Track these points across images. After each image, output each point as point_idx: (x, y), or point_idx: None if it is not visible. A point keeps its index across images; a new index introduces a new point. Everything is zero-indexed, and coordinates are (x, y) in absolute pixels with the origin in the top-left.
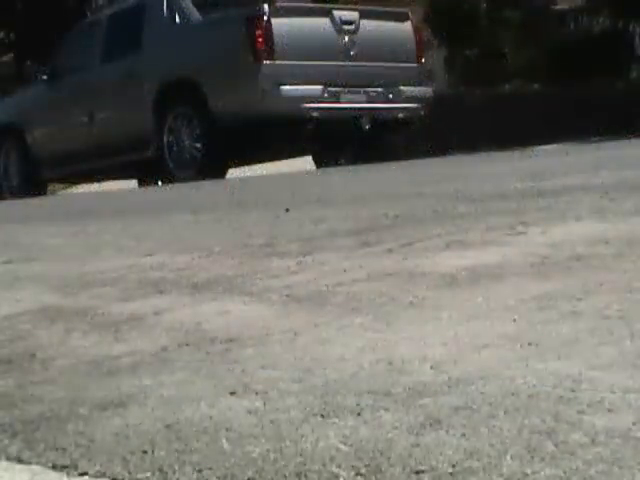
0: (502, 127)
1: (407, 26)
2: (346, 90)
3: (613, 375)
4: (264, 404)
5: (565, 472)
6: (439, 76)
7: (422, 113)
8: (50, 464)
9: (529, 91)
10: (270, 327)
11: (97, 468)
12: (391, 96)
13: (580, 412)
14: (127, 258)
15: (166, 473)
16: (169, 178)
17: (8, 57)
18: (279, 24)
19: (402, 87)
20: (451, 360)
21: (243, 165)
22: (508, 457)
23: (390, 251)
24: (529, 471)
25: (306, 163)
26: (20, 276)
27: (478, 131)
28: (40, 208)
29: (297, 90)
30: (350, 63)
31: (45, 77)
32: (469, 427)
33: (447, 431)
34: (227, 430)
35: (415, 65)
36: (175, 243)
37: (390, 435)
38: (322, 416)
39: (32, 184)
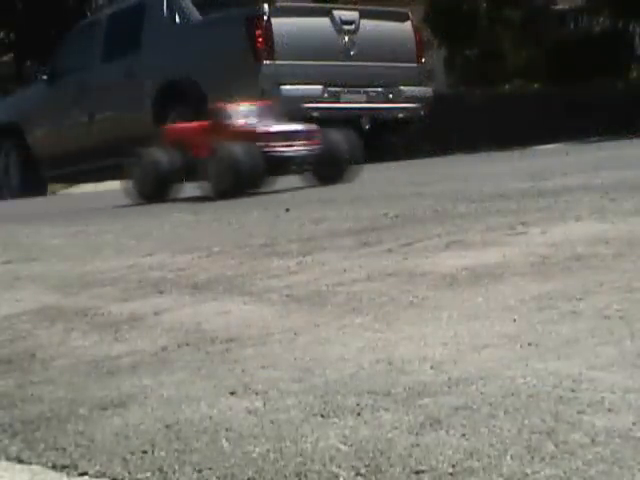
0: (502, 127)
1: (407, 26)
2: (346, 90)
3: (613, 375)
4: (264, 404)
5: (565, 472)
6: (439, 76)
7: (422, 113)
8: (50, 464)
9: (529, 91)
10: (270, 327)
11: (97, 468)
12: (391, 96)
13: (580, 412)
14: (127, 258)
15: (166, 473)
16: None
17: (8, 57)
18: (279, 24)
19: (402, 87)
20: (451, 360)
21: None
22: (508, 457)
23: (390, 251)
24: (529, 471)
25: None
26: (20, 276)
27: (478, 131)
28: (40, 208)
29: (297, 90)
30: (350, 63)
31: (45, 77)
32: (469, 427)
33: (447, 431)
34: (227, 430)
35: (415, 65)
36: (175, 243)
37: (390, 435)
38: (322, 416)
39: (32, 184)
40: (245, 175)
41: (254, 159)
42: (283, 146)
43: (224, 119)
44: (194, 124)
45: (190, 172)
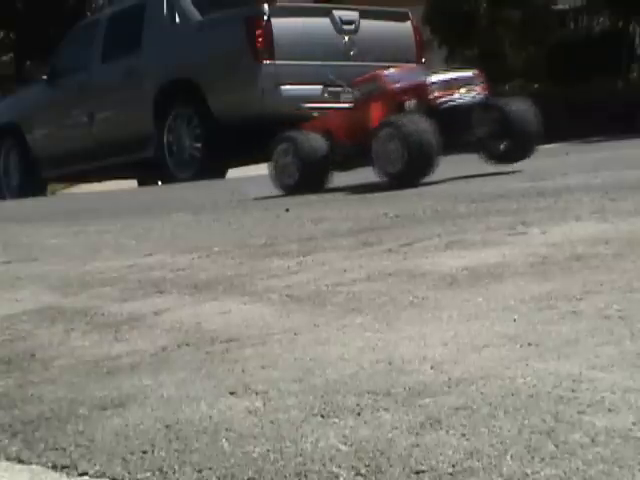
0: None
1: (407, 26)
2: (346, 90)
3: (613, 375)
4: (264, 404)
5: (565, 472)
6: None
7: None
8: (50, 464)
9: (529, 91)
10: (270, 327)
11: (97, 468)
12: None
13: (580, 412)
14: (127, 258)
15: (166, 473)
16: (169, 178)
17: (8, 57)
18: (279, 24)
19: None
20: (451, 360)
21: (243, 165)
22: (508, 457)
23: (390, 251)
24: (529, 471)
25: None
26: (20, 276)
27: None
28: (40, 208)
29: (297, 90)
30: (350, 63)
31: (45, 77)
32: (469, 427)
33: (447, 431)
34: (227, 430)
35: (415, 65)
36: (175, 243)
37: (390, 435)
38: (322, 416)
39: (32, 184)
40: (420, 152)
41: (428, 132)
42: (456, 94)
43: (380, 88)
44: (342, 110)
45: (344, 159)
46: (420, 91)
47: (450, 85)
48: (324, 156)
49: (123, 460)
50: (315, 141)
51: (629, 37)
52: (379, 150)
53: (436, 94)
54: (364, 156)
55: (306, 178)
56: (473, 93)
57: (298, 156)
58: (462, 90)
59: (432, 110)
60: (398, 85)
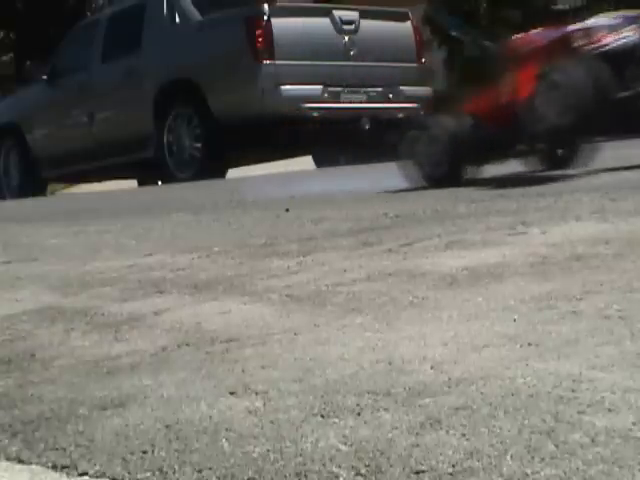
0: None
1: (407, 26)
2: (346, 90)
3: (613, 375)
4: (264, 404)
5: (565, 472)
6: (439, 76)
7: (422, 113)
8: (50, 464)
9: None
10: (270, 327)
11: (97, 468)
12: (391, 96)
13: (580, 412)
14: (127, 258)
15: (166, 473)
16: (169, 178)
17: (8, 57)
18: (279, 24)
19: (402, 87)
20: (451, 360)
21: (243, 165)
22: (508, 457)
23: (390, 251)
24: (529, 471)
25: (306, 163)
26: (20, 276)
27: None
28: (40, 208)
29: (297, 90)
30: (350, 63)
31: (45, 77)
32: (469, 427)
33: (447, 431)
34: (227, 430)
35: (415, 65)
36: (175, 243)
37: (390, 435)
38: (322, 416)
39: (32, 184)
40: (577, 107)
41: (585, 81)
42: (607, 39)
43: (522, 53)
44: (485, 89)
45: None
46: (564, 42)
47: (600, 31)
48: (464, 143)
49: (123, 460)
50: (453, 126)
51: None
52: (533, 112)
53: (581, 42)
54: (512, 141)
55: (449, 167)
56: (631, 35)
57: (435, 143)
58: (622, 33)
59: (580, 60)
60: (540, 44)
